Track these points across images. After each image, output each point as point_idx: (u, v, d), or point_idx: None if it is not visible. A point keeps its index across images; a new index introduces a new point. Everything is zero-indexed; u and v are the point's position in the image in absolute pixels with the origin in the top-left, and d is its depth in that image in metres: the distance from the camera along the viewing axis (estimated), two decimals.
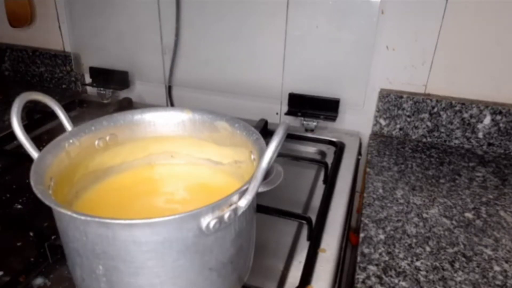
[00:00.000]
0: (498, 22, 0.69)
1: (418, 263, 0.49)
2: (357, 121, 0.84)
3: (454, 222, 0.57)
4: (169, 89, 0.95)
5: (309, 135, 0.82)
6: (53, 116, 0.44)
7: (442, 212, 0.59)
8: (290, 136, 0.80)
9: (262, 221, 0.48)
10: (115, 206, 0.46)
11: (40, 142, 0.40)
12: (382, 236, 0.53)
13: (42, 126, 0.82)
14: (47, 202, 0.32)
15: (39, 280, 0.46)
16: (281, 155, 0.71)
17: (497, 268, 0.49)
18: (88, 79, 0.99)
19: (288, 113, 0.84)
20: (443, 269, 0.48)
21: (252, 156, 0.44)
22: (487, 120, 0.74)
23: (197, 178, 0.51)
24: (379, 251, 0.51)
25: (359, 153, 0.80)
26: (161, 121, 0.50)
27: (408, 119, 0.79)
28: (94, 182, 0.47)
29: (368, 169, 0.69)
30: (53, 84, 1.07)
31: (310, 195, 0.65)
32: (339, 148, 0.76)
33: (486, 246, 0.52)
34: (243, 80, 0.86)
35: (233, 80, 0.87)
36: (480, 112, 0.74)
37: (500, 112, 0.73)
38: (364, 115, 0.83)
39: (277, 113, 0.89)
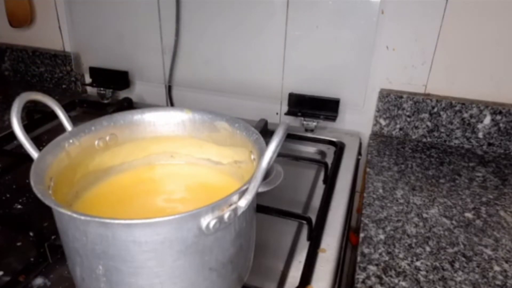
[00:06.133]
0: (498, 22, 0.69)
1: (418, 263, 0.49)
2: (357, 121, 0.84)
3: (454, 222, 0.57)
4: (169, 89, 0.95)
5: (309, 135, 0.82)
6: (53, 116, 0.44)
7: (442, 212, 0.59)
8: (290, 136, 0.80)
9: (262, 221, 0.48)
10: (115, 206, 0.46)
11: (40, 142, 0.40)
12: (382, 236, 0.53)
13: (42, 126, 0.82)
14: (47, 202, 0.32)
15: (39, 280, 0.46)
16: (281, 155, 0.71)
17: (497, 268, 0.49)
18: (88, 79, 0.99)
19: (288, 113, 0.84)
20: (443, 269, 0.48)
21: (252, 156, 0.44)
22: (487, 120, 0.74)
23: (197, 178, 0.51)
24: (379, 251, 0.51)
25: (359, 153, 0.80)
26: (161, 121, 0.50)
27: (408, 119, 0.79)
28: (94, 182, 0.47)
29: (368, 169, 0.69)
30: (53, 84, 1.07)
31: (310, 195, 0.65)
32: (339, 148, 0.76)
33: (486, 246, 0.52)
34: (243, 80, 0.86)
35: (233, 80, 0.87)
36: (480, 112, 0.74)
37: (500, 112, 0.73)
38: (364, 115, 0.83)
39: (277, 113, 0.89)
